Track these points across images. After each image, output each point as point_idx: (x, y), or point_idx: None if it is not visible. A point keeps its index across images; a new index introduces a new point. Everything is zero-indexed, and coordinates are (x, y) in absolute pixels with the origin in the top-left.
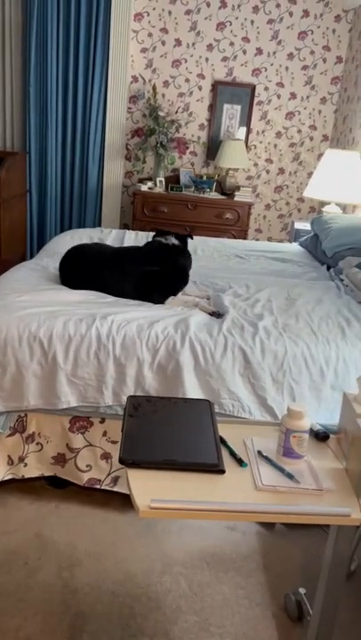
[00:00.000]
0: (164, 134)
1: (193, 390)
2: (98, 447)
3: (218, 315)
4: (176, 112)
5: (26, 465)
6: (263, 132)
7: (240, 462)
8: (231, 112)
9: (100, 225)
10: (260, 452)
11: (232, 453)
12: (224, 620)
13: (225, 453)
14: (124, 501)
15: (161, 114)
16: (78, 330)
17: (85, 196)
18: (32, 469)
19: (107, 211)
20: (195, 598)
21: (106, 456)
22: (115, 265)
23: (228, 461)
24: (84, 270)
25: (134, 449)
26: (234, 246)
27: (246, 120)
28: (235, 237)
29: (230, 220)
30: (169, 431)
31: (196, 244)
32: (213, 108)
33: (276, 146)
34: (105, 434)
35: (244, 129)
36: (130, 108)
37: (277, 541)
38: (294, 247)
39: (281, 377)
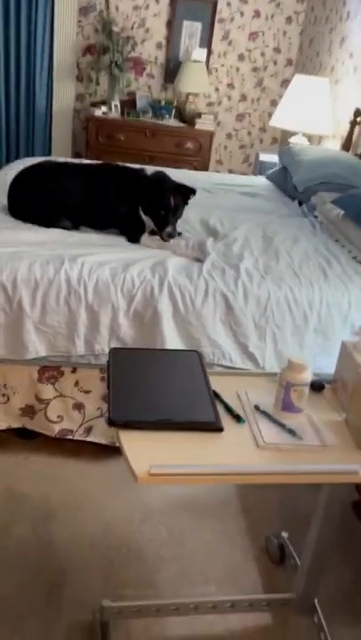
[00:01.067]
0: (119, 52)
1: (172, 339)
2: (69, 397)
3: (199, 261)
4: (132, 28)
5: None
6: (225, 53)
7: (237, 418)
8: (191, 30)
9: (50, 154)
10: (257, 407)
11: (228, 409)
12: (207, 566)
13: (220, 409)
14: (97, 451)
15: (115, 29)
16: (45, 273)
17: (33, 121)
18: None
19: (57, 138)
20: (176, 545)
21: (78, 406)
22: (81, 184)
23: (224, 418)
24: (41, 192)
25: (124, 408)
26: (199, 179)
27: (207, 40)
28: (195, 169)
29: (191, 151)
30: (159, 387)
31: None
32: (172, 25)
33: (238, 69)
34: (77, 383)
35: (204, 50)
36: (80, 22)
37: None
38: (262, 181)
39: (264, 323)
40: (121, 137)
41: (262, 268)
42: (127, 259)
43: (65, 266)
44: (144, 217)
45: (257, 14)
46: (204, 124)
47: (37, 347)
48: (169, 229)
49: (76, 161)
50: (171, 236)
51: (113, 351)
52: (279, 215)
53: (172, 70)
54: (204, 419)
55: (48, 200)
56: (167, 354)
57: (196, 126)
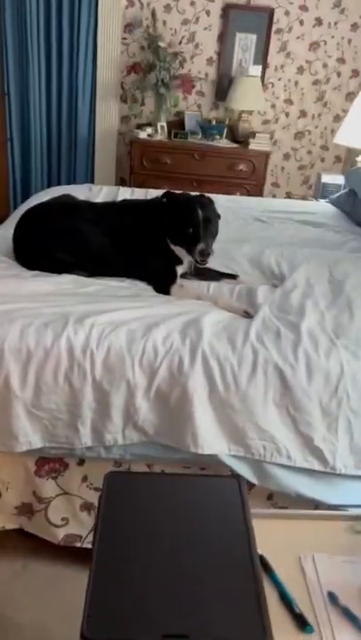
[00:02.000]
0: (166, 70)
1: (207, 428)
2: (76, 496)
3: (249, 315)
4: (180, 43)
5: None
6: (282, 66)
7: (302, 623)
8: (245, 43)
9: (92, 180)
10: (332, 596)
11: (286, 601)
12: None
13: (272, 596)
14: None
15: (162, 45)
16: (41, 340)
17: (75, 145)
18: None
19: (100, 162)
20: None
21: (87, 507)
22: (95, 226)
23: (279, 617)
24: (49, 238)
25: (110, 613)
26: (252, 206)
27: (263, 53)
28: (249, 193)
29: (244, 173)
30: (169, 558)
31: None
32: (224, 39)
33: (297, 83)
34: (85, 479)
35: (259, 66)
36: (125, 39)
37: None
38: (324, 206)
39: (334, 407)
40: (167, 160)
41: (331, 327)
42: (152, 316)
43: (67, 330)
44: (175, 249)
45: (318, 22)
46: (258, 144)
47: (30, 436)
48: (201, 246)
49: (85, 198)
50: (204, 254)
51: (109, 478)
52: (350, 249)
53: (223, 87)
54: (243, 635)
55: (56, 247)
56: (188, 481)
57: (250, 146)
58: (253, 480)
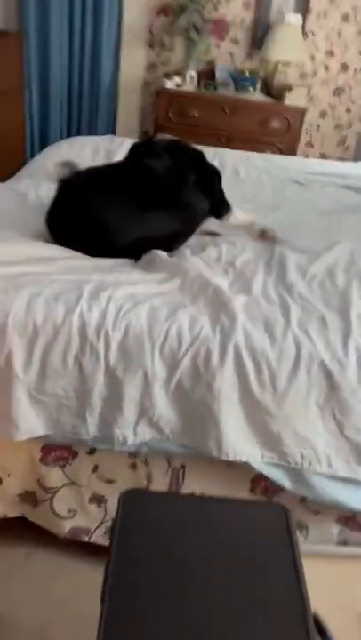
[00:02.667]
0: (199, 13)
1: (235, 432)
2: (85, 487)
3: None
4: None
5: None
6: (326, 13)
7: None
8: None
9: (114, 131)
10: None
11: None
12: None
13: None
14: None
15: None
16: (51, 315)
17: (97, 93)
18: None
19: (123, 113)
20: None
21: (97, 499)
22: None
23: None
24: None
25: None
26: (288, 166)
27: None
28: (281, 153)
29: (277, 131)
30: (195, 608)
31: (237, 163)
32: None
33: (340, 33)
34: (96, 469)
35: (299, 14)
36: None
37: None
38: None
39: None
40: (195, 113)
41: None
42: (176, 293)
43: (81, 304)
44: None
45: None
46: (295, 99)
47: (32, 423)
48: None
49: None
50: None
51: (125, 499)
52: None
53: (260, 35)
54: None
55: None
56: (222, 507)
57: (286, 101)
58: (288, 486)
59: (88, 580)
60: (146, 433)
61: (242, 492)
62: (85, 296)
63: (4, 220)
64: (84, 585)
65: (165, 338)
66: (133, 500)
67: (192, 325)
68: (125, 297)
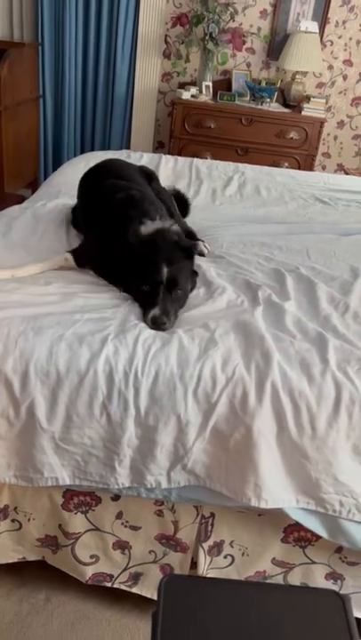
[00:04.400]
0: (216, 23)
1: (273, 478)
2: (108, 533)
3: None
4: None
5: None
6: (344, 22)
7: None
8: None
9: (128, 143)
10: None
11: None
12: None
13: None
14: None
15: None
16: (74, 361)
17: (112, 103)
18: (7, 552)
19: (138, 124)
20: None
21: (121, 545)
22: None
23: None
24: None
25: None
26: (310, 182)
27: (323, 6)
28: (298, 164)
29: (295, 141)
30: None
31: (259, 178)
32: None
33: (359, 43)
34: (120, 515)
35: (317, 23)
36: None
37: None
38: None
39: None
40: (212, 124)
41: None
42: (210, 329)
43: (107, 347)
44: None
45: None
46: (313, 110)
47: (57, 472)
48: (155, 312)
49: None
50: (157, 323)
51: (166, 586)
52: None
53: (277, 44)
54: None
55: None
56: (270, 593)
57: (303, 112)
58: (323, 534)
59: (110, 627)
60: (180, 479)
61: (274, 542)
62: (111, 337)
63: (25, 243)
64: (105, 633)
65: (198, 380)
66: (174, 586)
67: (225, 364)
68: (152, 336)
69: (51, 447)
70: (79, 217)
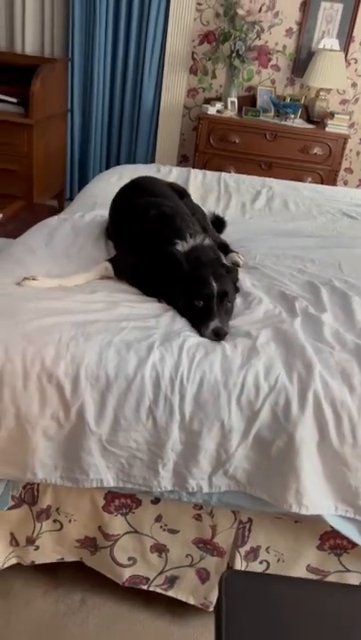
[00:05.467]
0: (242, 40)
1: (314, 485)
2: (147, 536)
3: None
4: (259, 11)
5: (37, 548)
6: None
7: None
8: (330, 13)
9: (153, 156)
10: None
11: None
12: None
13: None
14: (179, 602)
15: (240, 12)
16: (123, 367)
17: (138, 118)
18: (46, 553)
19: (163, 138)
20: None
21: (159, 548)
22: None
23: None
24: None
25: None
26: (336, 197)
27: (349, 24)
28: (322, 179)
29: (318, 157)
30: None
31: (286, 193)
32: (307, 7)
33: None
34: (159, 518)
35: (341, 41)
36: (200, 5)
37: None
38: None
39: None
40: (236, 139)
41: None
42: (252, 338)
43: (153, 354)
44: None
45: None
46: (336, 126)
47: (102, 474)
48: (216, 324)
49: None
50: (219, 334)
51: (227, 580)
52: None
53: (302, 61)
54: None
55: None
56: (336, 592)
57: (327, 128)
58: (360, 542)
59: (144, 630)
60: (221, 484)
61: (309, 549)
62: (156, 345)
63: (67, 253)
64: (140, 635)
65: (242, 387)
66: (235, 582)
67: (268, 373)
68: (196, 344)
69: (97, 449)
70: (111, 235)
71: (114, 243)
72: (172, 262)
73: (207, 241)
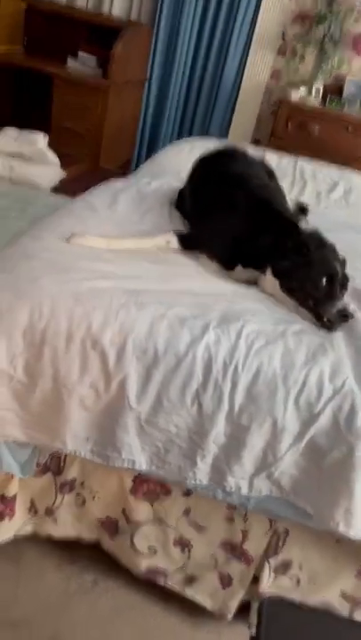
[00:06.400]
0: (338, 24)
1: None
2: (171, 528)
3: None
4: None
5: (56, 521)
6: None
7: None
8: None
9: (226, 135)
10: None
11: None
12: None
13: None
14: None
15: None
16: (174, 342)
17: (217, 94)
18: (65, 527)
19: (240, 118)
20: None
21: (182, 543)
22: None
23: None
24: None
25: None
26: None
27: None
28: None
29: None
30: None
31: None
32: None
33: None
34: (187, 512)
35: None
36: None
37: None
38: None
39: None
40: (316, 128)
41: None
42: (313, 331)
43: (208, 334)
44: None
45: None
46: None
47: (135, 455)
48: (343, 303)
49: None
50: (346, 315)
51: (268, 606)
52: None
53: None
54: None
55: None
56: None
57: None
58: None
59: (155, 622)
60: (263, 487)
61: (347, 574)
62: (213, 325)
63: (130, 218)
64: (151, 628)
65: (303, 386)
66: (276, 610)
67: (334, 375)
68: (257, 332)
69: (134, 428)
70: (187, 200)
71: (191, 206)
72: (299, 235)
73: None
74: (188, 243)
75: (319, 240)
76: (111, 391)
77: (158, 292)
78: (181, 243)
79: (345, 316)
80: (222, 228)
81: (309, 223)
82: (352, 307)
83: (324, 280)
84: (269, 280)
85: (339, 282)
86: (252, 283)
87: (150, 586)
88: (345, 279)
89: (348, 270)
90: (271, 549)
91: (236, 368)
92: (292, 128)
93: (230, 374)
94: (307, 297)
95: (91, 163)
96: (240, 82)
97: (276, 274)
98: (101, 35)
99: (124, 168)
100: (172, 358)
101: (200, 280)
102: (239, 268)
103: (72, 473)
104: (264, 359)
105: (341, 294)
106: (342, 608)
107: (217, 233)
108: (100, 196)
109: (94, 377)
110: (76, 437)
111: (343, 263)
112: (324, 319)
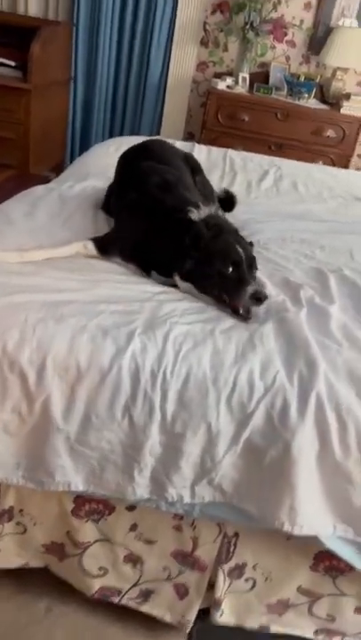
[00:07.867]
0: (257, 12)
1: (310, 502)
2: (120, 545)
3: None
4: None
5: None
6: None
7: None
8: None
9: (158, 131)
10: None
11: None
12: None
13: None
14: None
15: None
16: (97, 356)
17: (144, 91)
18: (9, 557)
19: (170, 112)
20: None
21: (132, 559)
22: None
23: None
24: None
25: None
26: (350, 180)
27: None
28: (333, 163)
29: (331, 140)
30: None
31: (295, 174)
32: None
33: None
34: (134, 527)
35: (355, 20)
36: None
37: None
38: None
39: None
40: (246, 117)
41: None
42: (240, 328)
43: (134, 343)
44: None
45: None
46: (351, 108)
47: (70, 476)
48: (254, 287)
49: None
50: (260, 298)
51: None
52: None
53: (319, 38)
54: None
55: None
56: None
57: (342, 110)
58: (359, 566)
59: None
60: (205, 494)
61: (302, 569)
62: (138, 332)
63: (49, 226)
64: None
65: (234, 386)
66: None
67: (264, 371)
68: (185, 334)
69: (65, 449)
70: (113, 199)
71: (113, 207)
72: (190, 230)
73: (220, 211)
74: (105, 248)
75: (216, 226)
76: (35, 413)
77: (79, 302)
78: (98, 248)
79: (258, 299)
80: (129, 231)
81: (232, 215)
82: (282, 297)
83: (230, 269)
84: (183, 284)
85: (246, 264)
86: (175, 285)
87: (106, 605)
88: (252, 259)
89: (276, 258)
90: (223, 554)
91: (164, 375)
92: (222, 118)
93: (159, 382)
94: (220, 291)
95: (20, 168)
96: (166, 76)
97: (184, 278)
98: (18, 36)
99: (57, 171)
100: (97, 373)
101: (123, 285)
102: (155, 275)
103: (9, 501)
104: (193, 362)
105: (252, 276)
106: (300, 603)
107: (125, 238)
108: (16, 206)
109: (15, 400)
110: (4, 465)
111: (248, 244)
112: (240, 312)
